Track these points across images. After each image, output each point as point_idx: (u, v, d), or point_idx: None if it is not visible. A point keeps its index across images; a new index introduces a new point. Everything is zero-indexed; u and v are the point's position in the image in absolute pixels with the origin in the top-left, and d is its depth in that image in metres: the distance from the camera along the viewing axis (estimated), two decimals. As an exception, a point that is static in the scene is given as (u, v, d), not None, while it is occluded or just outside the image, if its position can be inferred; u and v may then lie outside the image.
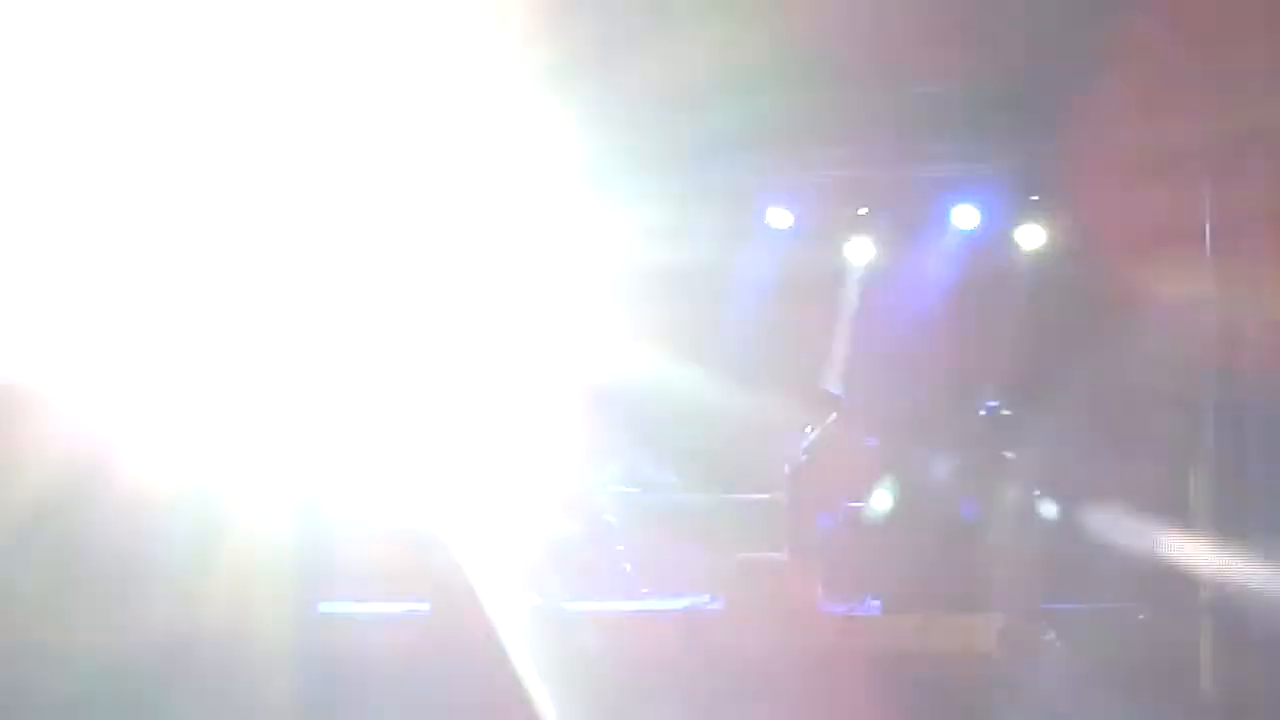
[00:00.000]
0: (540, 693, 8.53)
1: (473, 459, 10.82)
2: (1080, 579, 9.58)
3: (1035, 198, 12.13)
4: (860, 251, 12.56)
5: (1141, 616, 10.60)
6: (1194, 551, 9.12)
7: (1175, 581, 9.08)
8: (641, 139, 11.95)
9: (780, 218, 12.58)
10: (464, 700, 8.95)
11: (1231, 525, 9.19)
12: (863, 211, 11.97)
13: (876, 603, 9.82)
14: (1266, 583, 8.69)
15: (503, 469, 11.29)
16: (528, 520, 11.09)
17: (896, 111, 12.06)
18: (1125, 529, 9.38)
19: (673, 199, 12.94)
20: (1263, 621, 8.72)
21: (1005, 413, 10.12)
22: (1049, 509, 9.69)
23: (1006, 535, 9.31)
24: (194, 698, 8.99)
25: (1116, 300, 10.32)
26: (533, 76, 9.78)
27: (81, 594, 9.28)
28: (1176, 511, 9.61)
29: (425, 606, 10.04)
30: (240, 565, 9.12)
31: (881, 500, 9.91)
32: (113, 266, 9.27)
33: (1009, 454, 9.62)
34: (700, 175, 12.82)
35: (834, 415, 10.37)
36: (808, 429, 10.46)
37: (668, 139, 12.43)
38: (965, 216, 12.27)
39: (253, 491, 9.25)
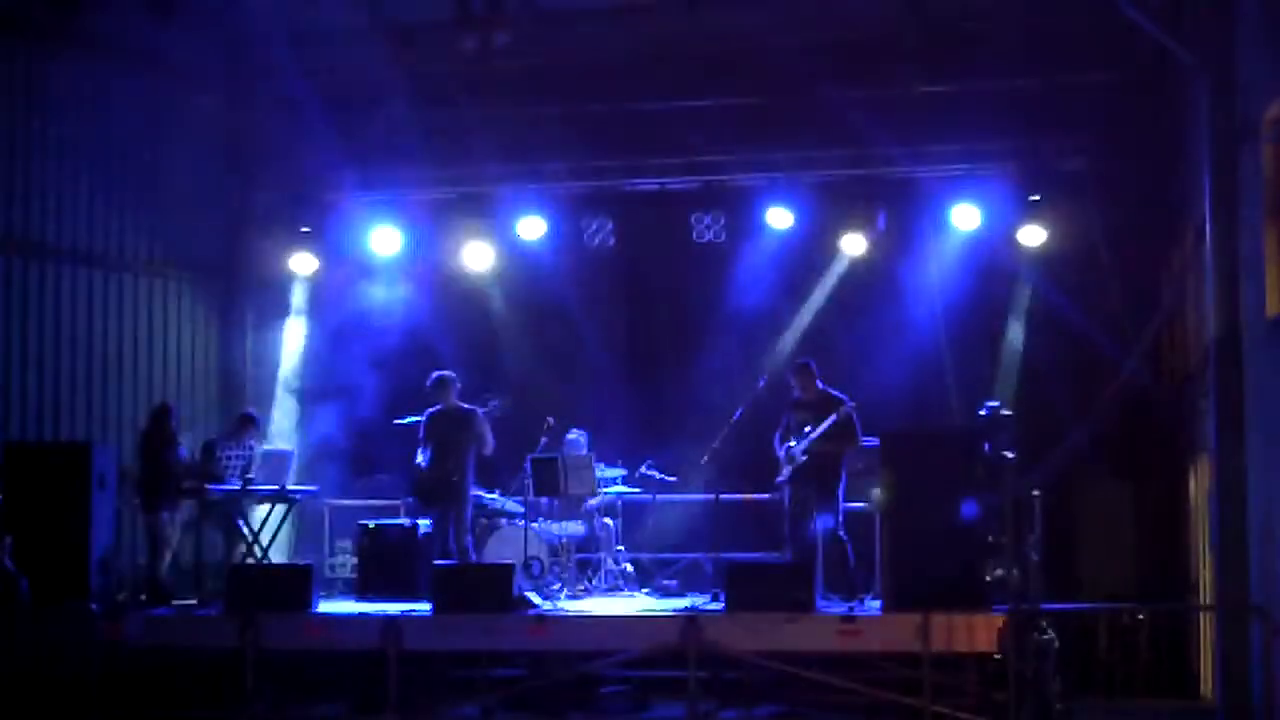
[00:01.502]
0: None
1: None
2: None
3: (1035, 198, 12.12)
4: (859, 251, 12.55)
5: (1141, 616, 10.65)
6: None
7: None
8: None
9: (780, 218, 12.54)
10: None
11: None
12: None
13: (877, 603, 9.82)
14: None
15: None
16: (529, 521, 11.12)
17: (896, 111, 12.08)
18: None
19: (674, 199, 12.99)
20: None
21: (1005, 413, 10.08)
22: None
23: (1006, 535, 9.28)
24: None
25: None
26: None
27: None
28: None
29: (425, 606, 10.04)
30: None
31: (881, 500, 9.89)
32: None
33: (1009, 454, 9.58)
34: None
35: (834, 416, 10.34)
36: (807, 429, 10.43)
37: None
38: (965, 216, 12.25)
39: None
